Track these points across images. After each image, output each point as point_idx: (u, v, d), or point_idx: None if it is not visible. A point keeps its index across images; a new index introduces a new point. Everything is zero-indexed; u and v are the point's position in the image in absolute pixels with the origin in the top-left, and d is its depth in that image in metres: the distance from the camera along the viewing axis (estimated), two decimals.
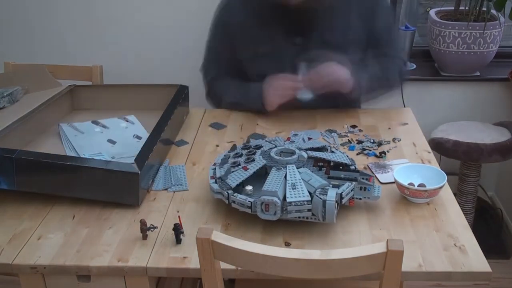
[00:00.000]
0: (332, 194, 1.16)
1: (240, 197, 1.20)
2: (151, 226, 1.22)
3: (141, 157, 1.36)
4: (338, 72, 1.61)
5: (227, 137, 1.68)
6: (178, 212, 1.31)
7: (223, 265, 1.05)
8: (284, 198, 1.18)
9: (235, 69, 1.81)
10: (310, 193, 1.18)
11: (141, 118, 1.73)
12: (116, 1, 2.37)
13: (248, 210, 1.20)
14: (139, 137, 1.61)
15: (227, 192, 1.23)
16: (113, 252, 1.18)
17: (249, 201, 1.19)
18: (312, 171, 1.26)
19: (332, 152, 1.37)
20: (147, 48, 2.43)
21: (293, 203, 1.17)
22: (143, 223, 1.20)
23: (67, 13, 2.40)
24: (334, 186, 1.21)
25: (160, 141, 1.48)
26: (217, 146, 1.63)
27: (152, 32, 2.41)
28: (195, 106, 1.88)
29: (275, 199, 1.17)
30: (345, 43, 1.70)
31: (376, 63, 1.72)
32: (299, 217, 1.19)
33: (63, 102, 1.81)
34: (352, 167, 1.32)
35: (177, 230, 1.19)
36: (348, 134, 1.66)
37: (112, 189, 1.32)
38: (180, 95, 1.75)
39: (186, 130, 1.74)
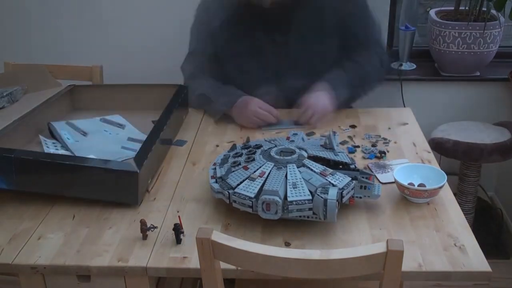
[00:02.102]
0: (333, 193, 1.16)
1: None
2: (151, 226, 1.22)
3: (140, 157, 1.36)
4: (321, 107, 1.66)
5: (227, 137, 1.68)
6: (178, 212, 1.31)
7: (223, 265, 1.04)
8: (285, 197, 1.18)
9: (216, 68, 1.80)
10: (311, 192, 1.18)
11: (141, 118, 1.73)
12: (116, 1, 2.37)
13: (249, 210, 1.20)
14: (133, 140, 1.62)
15: (228, 191, 1.23)
16: (113, 252, 1.18)
17: (250, 200, 1.19)
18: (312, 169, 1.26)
19: (332, 151, 1.37)
20: (147, 48, 2.42)
21: (294, 202, 1.16)
22: (143, 223, 1.20)
23: (67, 13, 2.40)
24: (331, 174, 1.22)
25: (159, 140, 1.48)
26: (217, 146, 1.63)
27: (152, 32, 2.40)
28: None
29: (277, 198, 1.16)
30: (322, 39, 1.72)
31: (356, 65, 1.74)
32: (300, 216, 1.19)
33: (63, 102, 1.81)
34: (352, 166, 1.32)
35: (177, 230, 1.19)
36: (348, 134, 1.66)
37: (112, 188, 1.32)
38: (180, 95, 1.75)
39: (186, 130, 1.74)
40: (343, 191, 1.20)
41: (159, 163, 1.52)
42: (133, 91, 1.84)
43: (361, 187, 1.25)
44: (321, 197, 1.16)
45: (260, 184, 1.21)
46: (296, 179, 1.22)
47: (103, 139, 1.61)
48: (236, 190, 1.22)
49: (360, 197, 1.26)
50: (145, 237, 1.21)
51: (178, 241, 1.19)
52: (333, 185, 1.20)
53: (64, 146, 1.55)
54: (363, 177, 1.26)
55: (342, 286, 1.42)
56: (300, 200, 1.17)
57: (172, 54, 2.40)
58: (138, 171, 1.30)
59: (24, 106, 1.67)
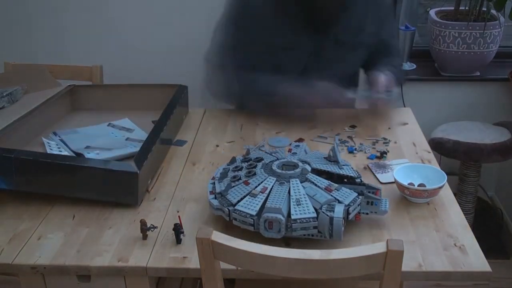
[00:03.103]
0: (339, 210, 1.11)
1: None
2: (151, 226, 1.22)
3: (140, 157, 1.36)
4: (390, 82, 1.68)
5: (227, 137, 1.68)
6: (178, 212, 1.31)
7: (223, 265, 1.04)
8: (289, 214, 1.13)
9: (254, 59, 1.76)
10: (315, 209, 1.13)
11: (141, 118, 1.73)
12: (116, 1, 2.37)
13: (251, 228, 1.15)
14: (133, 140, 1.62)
15: (227, 208, 1.17)
16: (113, 252, 1.18)
17: (251, 218, 1.14)
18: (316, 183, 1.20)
19: (337, 164, 1.30)
20: (147, 48, 2.43)
21: (298, 220, 1.11)
22: (143, 223, 1.20)
23: (67, 13, 2.40)
24: (336, 190, 1.18)
25: (159, 141, 1.48)
26: (217, 146, 1.63)
27: (152, 32, 2.41)
28: (195, 106, 1.88)
29: (279, 216, 1.11)
30: (356, 45, 1.76)
31: (391, 67, 1.78)
32: (304, 235, 1.14)
33: (63, 102, 1.81)
34: (358, 180, 1.27)
35: (177, 230, 1.19)
36: (348, 134, 1.66)
37: (112, 188, 1.32)
38: (180, 95, 1.75)
39: (186, 130, 1.74)
40: (349, 207, 1.14)
41: (159, 163, 1.52)
42: (133, 91, 1.84)
43: (367, 202, 1.20)
44: (327, 215, 1.10)
45: (262, 201, 1.15)
46: (300, 195, 1.16)
47: (110, 140, 1.61)
48: (236, 207, 1.16)
49: (367, 213, 1.21)
50: (145, 237, 1.21)
51: (178, 241, 1.19)
52: (339, 202, 1.14)
53: (68, 151, 1.54)
54: (369, 192, 1.21)
55: (342, 286, 1.42)
56: (304, 218, 1.11)
57: (172, 55, 2.41)
58: (138, 171, 1.30)
59: (24, 106, 1.67)
